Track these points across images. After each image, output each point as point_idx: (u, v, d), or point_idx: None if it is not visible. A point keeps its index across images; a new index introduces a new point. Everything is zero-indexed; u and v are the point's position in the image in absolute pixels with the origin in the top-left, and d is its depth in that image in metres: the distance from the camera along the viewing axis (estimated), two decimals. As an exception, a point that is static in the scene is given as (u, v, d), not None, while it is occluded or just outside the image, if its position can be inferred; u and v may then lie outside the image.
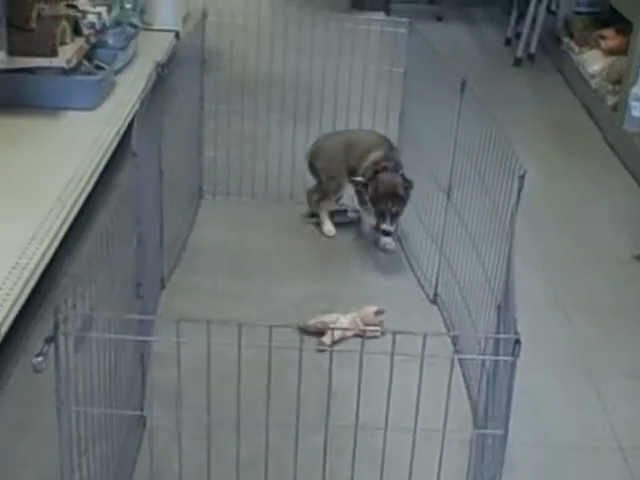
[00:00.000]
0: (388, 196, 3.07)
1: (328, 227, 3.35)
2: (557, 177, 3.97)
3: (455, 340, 2.57)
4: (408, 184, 3.10)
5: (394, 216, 3.09)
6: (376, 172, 3.11)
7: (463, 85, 2.71)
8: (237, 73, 3.58)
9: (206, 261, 3.17)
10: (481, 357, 2.02)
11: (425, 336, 1.55)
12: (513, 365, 1.56)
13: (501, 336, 1.64)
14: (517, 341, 1.54)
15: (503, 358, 1.57)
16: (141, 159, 2.23)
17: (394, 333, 1.54)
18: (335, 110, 3.51)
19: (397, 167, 3.14)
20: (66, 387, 1.62)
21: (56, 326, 1.55)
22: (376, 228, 3.18)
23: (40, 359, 1.52)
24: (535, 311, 2.90)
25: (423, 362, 1.62)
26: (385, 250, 3.24)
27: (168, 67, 2.82)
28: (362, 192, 3.19)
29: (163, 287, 2.96)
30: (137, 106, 2.47)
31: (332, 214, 3.41)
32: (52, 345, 1.55)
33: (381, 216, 3.09)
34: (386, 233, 3.11)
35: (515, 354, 1.54)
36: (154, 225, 2.71)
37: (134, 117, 2.42)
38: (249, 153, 3.57)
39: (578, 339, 2.84)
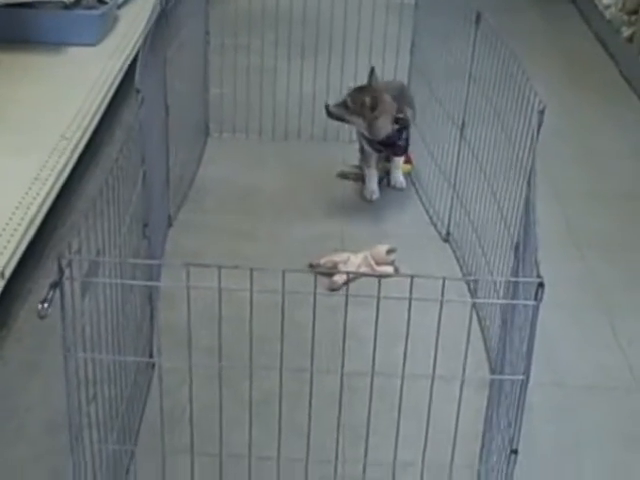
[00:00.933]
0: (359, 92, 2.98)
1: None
2: (571, 111, 3.87)
3: (473, 284, 2.51)
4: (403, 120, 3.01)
5: (361, 106, 2.96)
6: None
7: (478, 17, 2.61)
8: (243, 6, 3.47)
9: (213, 199, 3.10)
10: (503, 301, 1.95)
11: (444, 280, 1.48)
12: (536, 309, 1.49)
13: (524, 279, 1.57)
14: (541, 284, 1.47)
15: (525, 302, 1.51)
16: (145, 95, 2.15)
17: (412, 277, 1.47)
18: (344, 44, 3.41)
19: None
20: (73, 333, 1.57)
21: (60, 271, 1.49)
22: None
23: (45, 305, 1.46)
24: (549, 248, 2.74)
25: (442, 307, 1.55)
26: (396, 188, 3.18)
27: (171, 0, 2.73)
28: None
29: (170, 225, 2.91)
30: (140, 41, 2.39)
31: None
32: (57, 291, 1.49)
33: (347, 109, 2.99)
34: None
35: (538, 298, 1.47)
36: (160, 163, 2.65)
37: (137, 53, 2.34)
38: (256, 89, 3.48)
39: (593, 277, 2.78)
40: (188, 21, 3.05)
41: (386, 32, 3.36)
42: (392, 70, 3.30)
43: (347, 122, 3.08)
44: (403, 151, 3.10)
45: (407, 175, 3.24)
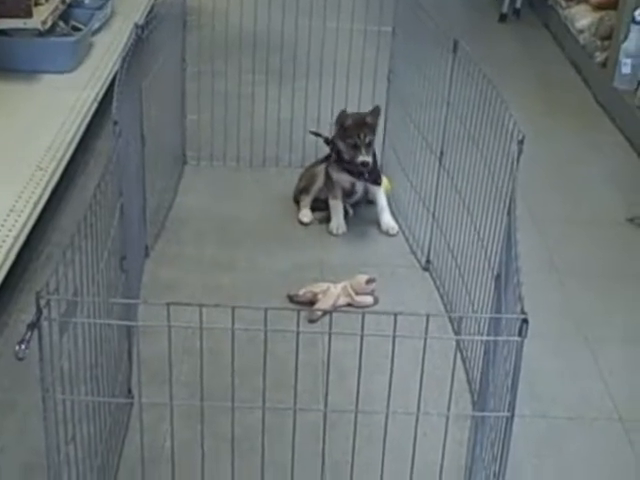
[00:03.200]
0: (358, 127, 2.98)
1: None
2: (545, 136, 3.89)
3: (457, 320, 2.51)
4: (375, 111, 3.03)
5: (368, 146, 2.99)
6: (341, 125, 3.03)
7: (455, 45, 2.63)
8: (220, 32, 3.47)
9: (191, 229, 3.09)
10: (486, 338, 1.95)
11: (428, 317, 1.48)
12: (520, 345, 1.49)
13: (507, 316, 1.56)
14: (525, 321, 1.47)
15: (509, 338, 1.50)
16: (122, 126, 2.13)
17: (395, 315, 1.46)
18: (321, 70, 3.41)
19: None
20: (51, 373, 1.55)
21: (38, 311, 1.47)
22: (352, 164, 3.01)
23: (22, 346, 1.44)
24: (529, 276, 2.79)
25: (425, 343, 1.54)
26: (389, 234, 3.11)
27: (147, 28, 2.72)
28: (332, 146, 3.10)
29: (147, 256, 2.89)
30: (116, 68, 2.38)
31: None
32: (35, 331, 1.47)
33: (355, 149, 2.99)
34: (364, 165, 2.99)
35: (522, 334, 1.47)
36: (137, 194, 2.62)
37: (113, 80, 2.33)
38: (233, 116, 3.48)
39: (573, 305, 2.78)
40: (164, 48, 3.03)
41: (364, 59, 3.38)
42: (370, 97, 3.30)
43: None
44: (379, 177, 3.10)
45: (388, 195, 3.22)
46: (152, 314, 1.75)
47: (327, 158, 3.16)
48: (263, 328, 1.54)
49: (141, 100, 2.68)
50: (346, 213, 3.16)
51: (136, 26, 2.62)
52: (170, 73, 3.18)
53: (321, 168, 3.19)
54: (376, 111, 3.04)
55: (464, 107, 2.60)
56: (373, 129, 3.01)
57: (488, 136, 2.36)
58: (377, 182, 3.11)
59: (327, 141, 3.14)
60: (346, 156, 3.03)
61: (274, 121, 3.46)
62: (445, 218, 2.80)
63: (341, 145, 3.04)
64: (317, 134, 3.23)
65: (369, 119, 3.01)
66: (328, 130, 3.21)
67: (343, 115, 3.04)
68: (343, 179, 3.10)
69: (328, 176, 3.13)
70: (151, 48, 2.79)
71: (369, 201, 3.19)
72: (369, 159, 2.98)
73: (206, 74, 3.40)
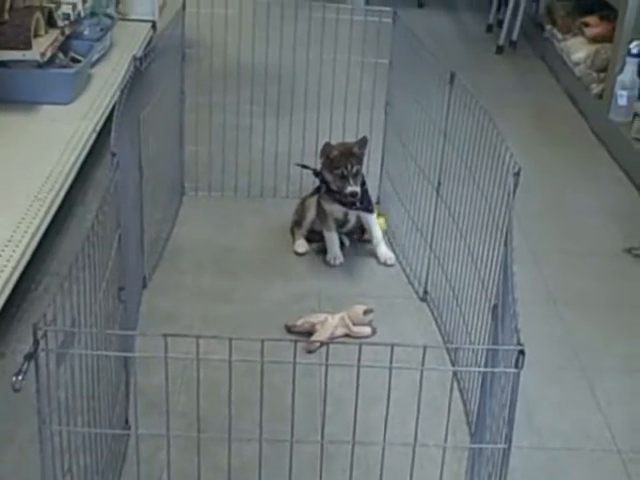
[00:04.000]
0: (344, 157, 2.98)
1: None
2: (542, 167, 3.92)
3: (454, 350, 2.50)
4: (362, 141, 3.02)
5: (355, 176, 2.98)
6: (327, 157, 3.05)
7: (452, 77, 2.65)
8: (218, 64, 3.50)
9: (189, 259, 3.09)
10: (483, 370, 1.95)
11: (425, 349, 1.48)
12: (517, 377, 1.49)
13: (504, 347, 1.57)
14: (521, 352, 1.47)
15: (506, 370, 1.50)
16: (120, 157, 2.15)
17: (392, 346, 1.47)
18: (319, 102, 3.44)
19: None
20: (48, 405, 1.55)
21: (35, 342, 1.47)
22: (342, 194, 3.00)
23: (19, 378, 1.44)
24: (525, 307, 2.80)
25: (422, 375, 1.55)
26: (387, 265, 3.11)
27: (146, 60, 2.74)
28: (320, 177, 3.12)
29: (145, 286, 2.89)
30: (114, 100, 2.40)
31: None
32: (32, 362, 1.47)
33: (343, 179, 2.98)
34: (353, 195, 2.99)
35: (519, 366, 1.47)
36: (135, 224, 2.64)
37: (111, 112, 2.34)
38: (231, 147, 3.49)
39: (570, 336, 2.79)
40: (163, 80, 3.06)
41: (361, 90, 3.40)
42: (367, 128, 3.32)
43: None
44: (370, 204, 3.12)
45: (384, 231, 3.23)
46: (149, 345, 1.75)
47: (318, 190, 3.17)
48: (260, 359, 1.54)
49: (139, 131, 2.70)
50: (342, 244, 3.17)
51: (135, 58, 2.64)
52: (169, 105, 3.20)
53: (313, 200, 3.20)
54: (363, 141, 3.03)
55: (461, 138, 2.63)
56: (360, 159, 3.01)
57: (485, 167, 2.37)
58: (369, 209, 3.11)
59: (316, 173, 3.14)
60: (334, 187, 3.03)
61: (272, 152, 3.49)
62: (442, 248, 2.81)
63: (328, 176, 3.04)
64: (304, 166, 3.24)
65: (355, 149, 3.01)
66: (319, 162, 3.21)
67: (328, 147, 3.04)
68: (335, 210, 3.10)
69: (320, 207, 3.14)
70: (150, 80, 2.81)
71: (362, 229, 3.20)
72: (357, 189, 2.98)
73: (204, 106, 3.42)
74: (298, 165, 3.27)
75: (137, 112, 2.67)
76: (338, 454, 2.06)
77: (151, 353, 1.63)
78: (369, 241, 3.18)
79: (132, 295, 2.50)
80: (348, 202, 3.03)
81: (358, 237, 3.24)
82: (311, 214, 3.20)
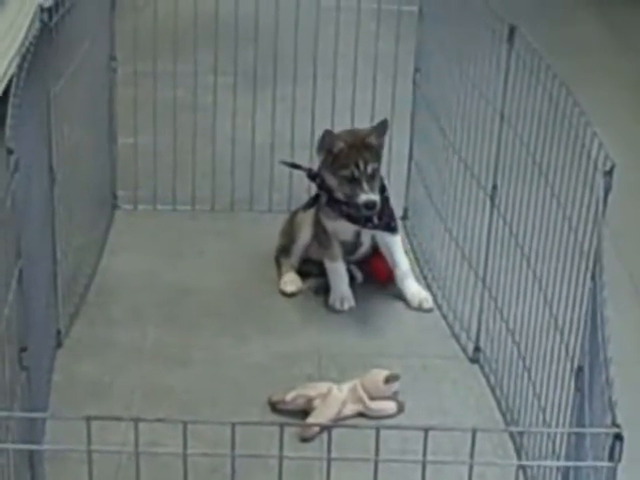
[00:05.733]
0: (355, 151, 2.99)
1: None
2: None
3: (520, 435, 2.51)
4: (380, 128, 3.04)
5: (372, 178, 2.99)
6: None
7: (512, 32, 2.66)
8: (164, 15, 3.52)
9: (124, 304, 3.11)
10: (562, 464, 1.95)
11: (474, 432, 1.48)
12: (613, 474, 1.50)
13: (593, 430, 1.58)
14: (618, 437, 1.47)
15: (596, 464, 1.51)
16: (21, 155, 2.16)
17: (426, 430, 1.47)
18: (314, 70, 3.46)
19: None
20: None
21: None
22: (352, 205, 3.01)
23: None
24: (626, 369, 2.83)
25: (472, 470, 1.55)
26: (424, 309, 3.14)
27: (58, 11, 2.76)
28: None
29: (60, 345, 2.91)
30: (11, 70, 2.41)
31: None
32: None
33: (354, 184, 2.98)
34: (369, 207, 2.98)
35: (615, 458, 1.47)
36: (43, 253, 2.65)
37: (7, 87, 2.36)
38: (186, 138, 3.52)
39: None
40: (84, 40, 3.07)
41: (377, 52, 3.42)
42: (387, 108, 3.33)
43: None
44: (394, 220, 3.13)
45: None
46: (66, 432, 1.76)
47: (316, 200, 3.17)
48: (230, 452, 1.54)
49: (49, 116, 2.71)
50: (352, 279, 3.18)
51: (41, 9, 2.66)
52: (92, 76, 3.21)
53: (308, 215, 3.20)
54: (382, 127, 3.05)
55: (526, 121, 2.64)
56: (377, 154, 3.03)
57: (561, 164, 2.39)
58: (391, 228, 3.13)
59: (311, 175, 3.14)
60: (340, 195, 3.04)
61: (246, 145, 3.50)
62: (501, 285, 2.81)
63: (331, 180, 3.05)
64: (294, 166, 3.25)
65: (371, 139, 3.02)
66: (317, 158, 3.21)
67: (329, 136, 3.03)
68: (342, 229, 3.12)
69: (319, 226, 3.15)
70: (64, 40, 2.82)
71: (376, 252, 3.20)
72: (375, 197, 2.99)
73: (146, 77, 3.45)
74: (285, 164, 3.28)
75: (46, 87, 2.68)
76: None
77: (68, 445, 1.63)
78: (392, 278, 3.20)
79: (40, 358, 2.50)
80: (361, 217, 3.04)
81: (377, 270, 3.25)
82: (305, 236, 3.21)
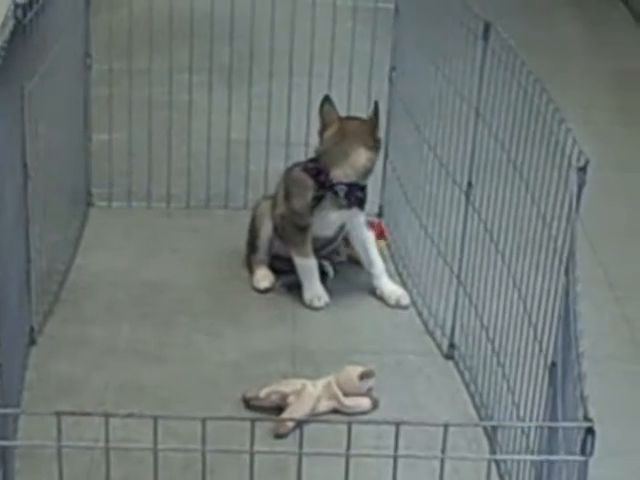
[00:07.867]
0: (353, 138, 3.05)
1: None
2: (623, 160, 3.96)
3: (494, 429, 2.52)
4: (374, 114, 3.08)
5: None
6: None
7: (487, 29, 2.67)
8: (140, 12, 3.52)
9: (98, 301, 3.10)
10: (535, 458, 1.95)
11: (446, 427, 1.48)
12: (584, 467, 1.49)
13: (565, 424, 1.58)
14: (589, 430, 1.47)
15: (568, 458, 1.51)
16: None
17: (397, 424, 1.47)
18: (290, 67, 3.46)
19: None
20: None
21: None
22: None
23: None
24: (599, 365, 2.84)
25: (444, 464, 1.54)
26: (401, 306, 3.14)
27: (32, 8, 2.76)
28: None
29: (33, 342, 2.90)
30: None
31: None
32: None
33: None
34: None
35: (587, 451, 1.47)
36: (15, 251, 2.64)
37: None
38: (161, 135, 3.51)
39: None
40: (59, 37, 3.07)
41: (354, 48, 3.43)
42: (363, 104, 3.33)
43: None
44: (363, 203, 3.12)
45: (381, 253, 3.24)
46: (38, 428, 1.75)
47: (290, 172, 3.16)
48: (201, 447, 1.54)
49: (23, 113, 2.71)
50: (323, 274, 3.18)
51: (15, 5, 2.65)
52: (67, 73, 3.21)
53: (266, 208, 3.20)
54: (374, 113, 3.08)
55: (501, 118, 2.64)
56: (378, 143, 3.11)
57: (536, 161, 2.40)
58: (362, 206, 3.10)
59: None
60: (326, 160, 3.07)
61: (222, 142, 3.50)
62: (476, 281, 2.82)
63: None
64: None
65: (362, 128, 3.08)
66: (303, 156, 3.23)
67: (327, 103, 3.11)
68: (327, 223, 3.10)
69: (290, 223, 3.10)
70: (38, 37, 2.82)
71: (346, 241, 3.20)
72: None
73: (121, 74, 3.44)
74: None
75: (20, 84, 2.68)
76: None
77: (40, 440, 1.63)
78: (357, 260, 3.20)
79: (12, 356, 2.50)
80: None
81: (346, 255, 3.25)
82: (267, 228, 3.18)
